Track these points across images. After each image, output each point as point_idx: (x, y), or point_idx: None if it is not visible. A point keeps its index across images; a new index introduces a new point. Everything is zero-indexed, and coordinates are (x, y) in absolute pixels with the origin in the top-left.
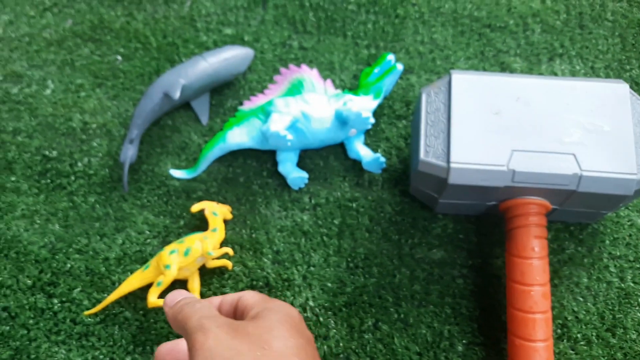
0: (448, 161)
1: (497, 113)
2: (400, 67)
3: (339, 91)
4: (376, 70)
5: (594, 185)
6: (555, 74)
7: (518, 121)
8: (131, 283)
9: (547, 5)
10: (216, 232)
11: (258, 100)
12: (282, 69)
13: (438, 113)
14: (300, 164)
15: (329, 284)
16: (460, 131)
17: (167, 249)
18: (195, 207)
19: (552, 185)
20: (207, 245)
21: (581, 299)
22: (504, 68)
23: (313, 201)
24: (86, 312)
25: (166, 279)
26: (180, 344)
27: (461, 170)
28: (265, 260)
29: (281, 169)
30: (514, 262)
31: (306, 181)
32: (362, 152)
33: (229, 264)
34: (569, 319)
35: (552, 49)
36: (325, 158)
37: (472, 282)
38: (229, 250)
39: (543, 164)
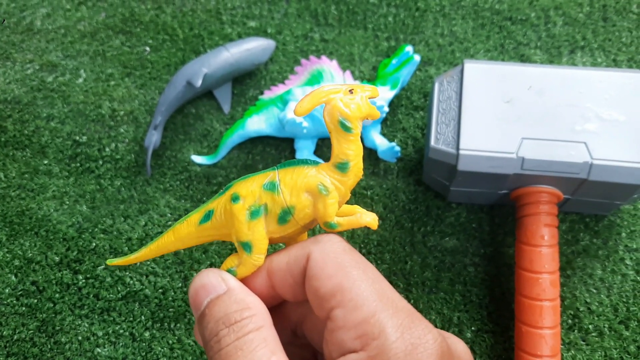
0: (457, 148)
1: (509, 101)
2: (417, 58)
3: (357, 82)
4: (394, 61)
5: (605, 174)
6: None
7: (529, 110)
8: (177, 240)
9: None
10: (347, 170)
11: (278, 90)
12: (303, 60)
13: (450, 101)
14: (318, 152)
15: None
16: (470, 119)
17: (246, 198)
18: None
19: (562, 173)
20: (327, 206)
21: (594, 290)
22: (524, 60)
23: None
24: (110, 262)
25: (245, 269)
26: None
27: (470, 157)
28: (282, 245)
29: (298, 156)
30: (523, 249)
31: None
32: (378, 141)
33: (370, 222)
34: (581, 309)
35: (573, 41)
36: None
37: (483, 271)
38: (366, 219)
39: (553, 152)
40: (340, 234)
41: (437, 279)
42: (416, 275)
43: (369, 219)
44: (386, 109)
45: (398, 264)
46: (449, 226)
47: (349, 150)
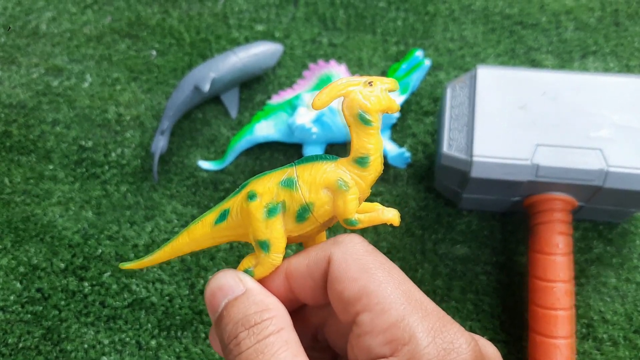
0: (471, 154)
1: (523, 107)
2: (428, 62)
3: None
4: (404, 65)
5: (620, 182)
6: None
7: (544, 116)
8: (192, 242)
9: (581, 3)
10: (367, 165)
11: (286, 95)
12: (311, 65)
13: (462, 107)
14: None
15: None
16: (483, 125)
17: (263, 196)
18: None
19: (577, 180)
20: (347, 202)
21: (608, 299)
22: (535, 65)
23: None
24: (123, 265)
25: (263, 269)
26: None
27: (484, 164)
28: (289, 251)
29: None
30: (536, 258)
31: None
32: (388, 146)
33: (392, 218)
34: (595, 318)
35: (585, 46)
36: None
37: (495, 279)
38: (388, 215)
39: (568, 159)
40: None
41: (449, 288)
42: (427, 284)
43: (391, 215)
44: (396, 115)
45: (409, 272)
46: (460, 234)
47: (369, 144)
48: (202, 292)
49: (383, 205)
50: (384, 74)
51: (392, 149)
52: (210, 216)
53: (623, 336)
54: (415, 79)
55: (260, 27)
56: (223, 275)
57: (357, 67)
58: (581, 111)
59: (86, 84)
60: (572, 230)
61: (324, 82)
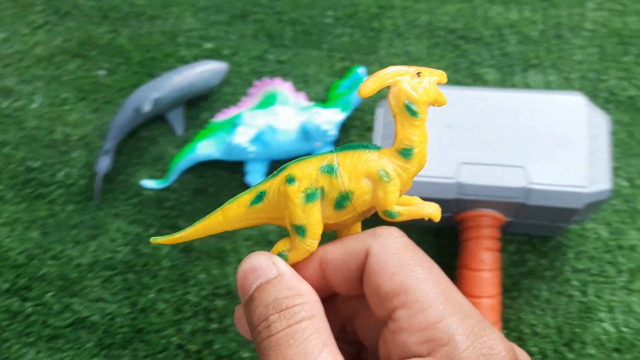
0: None
1: (449, 126)
2: None
3: (311, 103)
4: (345, 83)
5: (542, 199)
6: (529, 85)
7: (469, 134)
8: (226, 221)
9: (525, 16)
10: (411, 157)
11: (231, 113)
12: (257, 82)
13: (393, 126)
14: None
15: None
16: None
17: (302, 180)
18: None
19: (501, 198)
20: (388, 193)
21: (540, 312)
22: (477, 79)
23: None
24: (153, 240)
25: (297, 254)
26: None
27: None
28: (229, 269)
29: (248, 179)
30: (462, 273)
31: None
32: None
33: (433, 214)
34: (526, 332)
35: (526, 59)
36: None
37: None
38: (429, 209)
39: (491, 177)
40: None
41: None
42: None
43: (432, 209)
44: (333, 132)
45: None
46: None
47: (414, 136)
48: (143, 310)
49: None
50: (327, 90)
51: None
52: (246, 197)
53: (553, 349)
54: (356, 96)
55: (209, 45)
56: (256, 258)
57: (303, 83)
58: (506, 128)
59: (35, 105)
60: (501, 246)
61: (269, 99)
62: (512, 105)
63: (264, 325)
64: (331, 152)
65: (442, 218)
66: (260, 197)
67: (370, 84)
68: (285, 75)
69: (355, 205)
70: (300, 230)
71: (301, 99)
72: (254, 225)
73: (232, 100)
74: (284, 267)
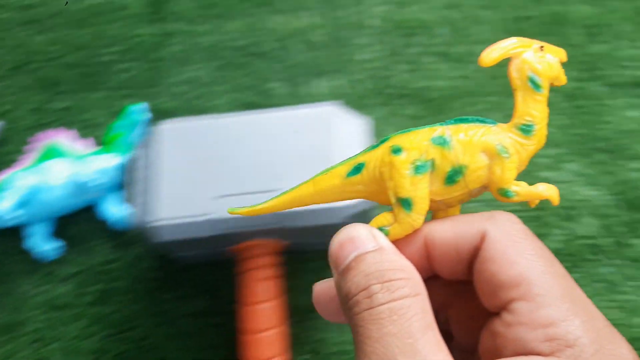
0: (149, 221)
1: (206, 159)
2: (145, 116)
3: (92, 150)
4: (120, 123)
5: (303, 220)
6: (321, 93)
7: (225, 165)
8: (317, 193)
9: (311, 22)
10: (531, 133)
11: (4, 176)
12: (37, 135)
13: (144, 170)
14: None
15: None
16: (162, 186)
17: (410, 151)
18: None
19: (267, 225)
20: (506, 170)
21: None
22: (267, 96)
23: (71, 270)
24: (231, 210)
25: (401, 229)
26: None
27: (162, 228)
28: (23, 339)
29: (28, 243)
30: (240, 309)
31: (62, 251)
32: (113, 210)
33: (552, 196)
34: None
35: (314, 67)
36: (88, 221)
37: (228, 329)
38: (550, 191)
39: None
40: None
41: (186, 348)
42: (161, 348)
43: (552, 191)
44: (101, 181)
45: (148, 338)
46: (193, 287)
47: (535, 111)
48: None
49: (112, 273)
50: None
51: (119, 210)
52: (341, 168)
53: None
54: (135, 136)
55: None
56: (355, 228)
57: (89, 128)
58: (261, 153)
59: None
60: (280, 272)
61: (49, 153)
62: (264, 126)
63: (365, 295)
64: (441, 124)
65: (218, 253)
66: (358, 169)
67: (493, 53)
68: (70, 123)
69: (468, 181)
70: (406, 204)
71: (87, 147)
72: (347, 199)
73: (13, 159)
74: (384, 241)
